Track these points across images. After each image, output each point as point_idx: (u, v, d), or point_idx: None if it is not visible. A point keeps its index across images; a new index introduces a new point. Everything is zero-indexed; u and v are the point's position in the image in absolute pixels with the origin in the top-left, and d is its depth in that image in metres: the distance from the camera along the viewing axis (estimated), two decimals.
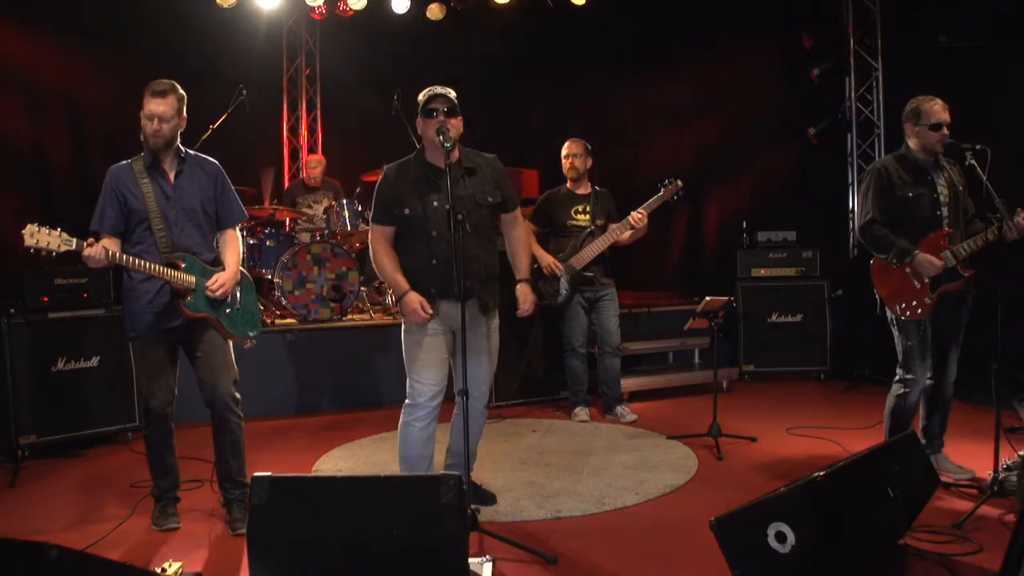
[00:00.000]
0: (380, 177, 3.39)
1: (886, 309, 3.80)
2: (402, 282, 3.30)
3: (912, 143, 3.80)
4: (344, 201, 6.35)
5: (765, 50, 7.47)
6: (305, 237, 6.37)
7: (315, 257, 5.94)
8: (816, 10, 7.06)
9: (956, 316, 3.78)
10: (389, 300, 6.27)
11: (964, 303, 3.78)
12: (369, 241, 3.41)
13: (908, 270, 3.68)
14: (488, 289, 3.41)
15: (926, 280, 3.66)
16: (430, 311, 3.26)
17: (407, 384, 3.38)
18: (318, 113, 8.30)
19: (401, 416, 3.40)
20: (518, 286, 3.55)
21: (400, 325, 3.44)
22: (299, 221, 6.70)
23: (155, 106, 3.22)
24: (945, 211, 3.72)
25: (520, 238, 3.60)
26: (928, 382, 3.81)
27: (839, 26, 7.00)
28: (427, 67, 7.02)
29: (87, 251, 2.99)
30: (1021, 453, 3.53)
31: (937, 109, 3.68)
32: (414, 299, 3.26)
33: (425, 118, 3.26)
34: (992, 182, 3.47)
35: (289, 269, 5.86)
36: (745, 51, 7.44)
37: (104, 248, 3.03)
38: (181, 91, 3.30)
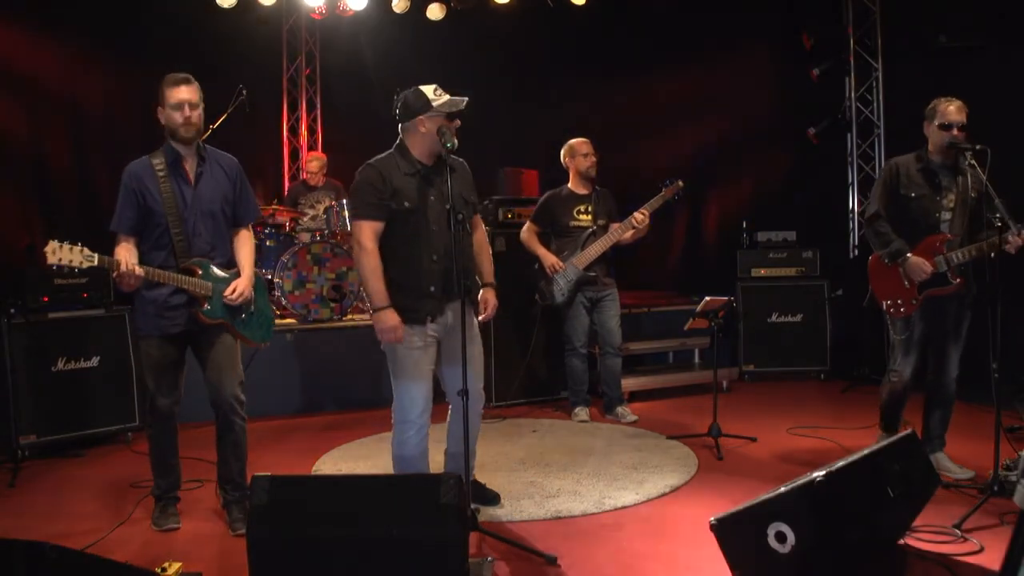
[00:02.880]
0: (366, 170, 3.23)
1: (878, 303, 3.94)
2: (383, 294, 3.16)
3: (930, 143, 3.84)
4: (344, 201, 6.34)
5: (765, 50, 7.47)
6: (305, 237, 6.37)
7: (315, 257, 5.95)
8: (816, 10, 7.07)
9: (952, 316, 3.83)
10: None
11: (962, 305, 3.82)
12: (355, 238, 3.22)
13: (901, 270, 3.77)
14: (476, 289, 3.41)
15: (915, 281, 3.75)
16: (402, 336, 3.17)
17: (395, 400, 3.31)
18: (318, 113, 8.30)
19: (393, 433, 3.34)
20: (483, 290, 3.46)
21: None
22: (299, 221, 6.71)
23: (183, 93, 3.18)
24: (946, 216, 3.76)
25: (482, 242, 3.54)
26: (930, 379, 3.90)
27: (839, 26, 7.01)
28: (427, 67, 7.02)
29: (122, 271, 2.99)
30: (1021, 453, 3.53)
31: (951, 110, 3.72)
32: (393, 318, 3.14)
33: (447, 120, 3.19)
34: (992, 182, 3.48)
35: (289, 269, 5.86)
36: (745, 51, 7.44)
37: (133, 267, 3.02)
38: (196, 82, 3.28)
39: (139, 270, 3.04)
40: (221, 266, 3.35)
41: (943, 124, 3.71)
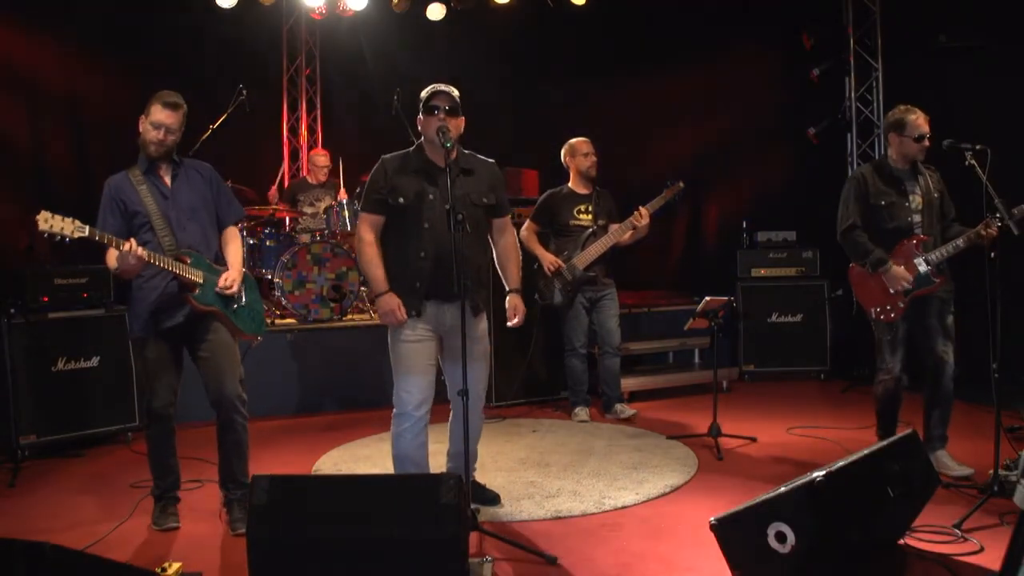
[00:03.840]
0: (376, 166, 3.34)
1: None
2: (382, 280, 3.25)
3: (892, 152, 3.95)
4: (344, 201, 6.35)
5: (765, 50, 7.47)
6: (305, 237, 6.37)
7: (315, 257, 5.95)
8: (816, 10, 7.06)
9: (937, 312, 3.88)
10: None
11: (945, 302, 3.89)
12: (357, 230, 3.36)
13: (883, 278, 3.84)
14: (479, 291, 3.37)
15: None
16: (404, 316, 3.22)
17: (394, 393, 3.35)
18: (318, 113, 8.30)
19: (391, 426, 3.37)
20: (509, 296, 3.49)
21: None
22: (299, 221, 6.71)
23: (164, 117, 3.25)
24: (918, 218, 3.86)
25: (509, 247, 3.55)
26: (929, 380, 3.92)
27: (839, 26, 7.00)
28: (427, 67, 7.02)
29: (124, 250, 3.00)
30: (1021, 453, 3.53)
31: (920, 122, 3.83)
32: (392, 300, 3.22)
33: (426, 115, 3.26)
34: (992, 182, 3.48)
35: (289, 269, 5.86)
36: (745, 51, 7.43)
37: (138, 249, 3.03)
38: (185, 107, 3.34)
39: (142, 252, 3.06)
40: (210, 260, 3.38)
41: (919, 136, 3.80)
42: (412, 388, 3.29)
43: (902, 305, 3.83)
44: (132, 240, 3.07)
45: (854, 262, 4.00)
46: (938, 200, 3.90)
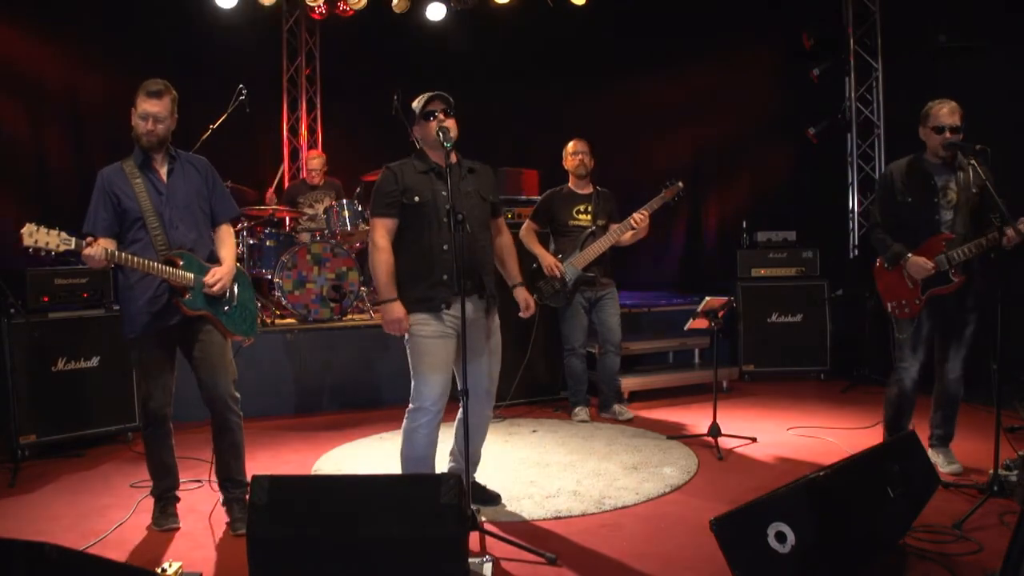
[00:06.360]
0: (382, 172, 3.37)
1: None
2: (391, 288, 3.27)
3: (926, 145, 3.85)
4: (344, 201, 6.35)
5: (765, 50, 7.48)
6: (305, 237, 6.37)
7: (315, 257, 5.95)
8: (816, 10, 7.07)
9: (955, 316, 3.82)
10: None
11: (963, 305, 3.80)
12: (370, 236, 3.36)
13: (904, 272, 3.79)
14: (493, 284, 3.44)
15: (919, 281, 3.76)
16: (408, 326, 3.25)
17: (412, 387, 3.35)
18: (318, 113, 8.30)
19: (405, 420, 3.37)
20: (516, 290, 3.58)
21: None
22: (299, 221, 6.70)
23: (150, 106, 3.22)
24: (947, 215, 3.75)
25: (506, 244, 3.62)
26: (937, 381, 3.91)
27: (839, 26, 7.01)
28: (427, 67, 7.03)
29: (86, 251, 2.98)
30: (1021, 453, 3.53)
31: (943, 113, 3.73)
32: (399, 309, 3.24)
33: (424, 121, 3.30)
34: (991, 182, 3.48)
35: (289, 269, 5.86)
36: (745, 51, 7.44)
37: (103, 248, 3.03)
38: (174, 91, 3.30)
39: (113, 250, 3.02)
40: (203, 259, 3.35)
41: (936, 127, 3.73)
42: (433, 383, 3.30)
43: (919, 302, 3.78)
44: (102, 242, 3.03)
45: (879, 258, 3.98)
46: (977, 197, 3.71)
